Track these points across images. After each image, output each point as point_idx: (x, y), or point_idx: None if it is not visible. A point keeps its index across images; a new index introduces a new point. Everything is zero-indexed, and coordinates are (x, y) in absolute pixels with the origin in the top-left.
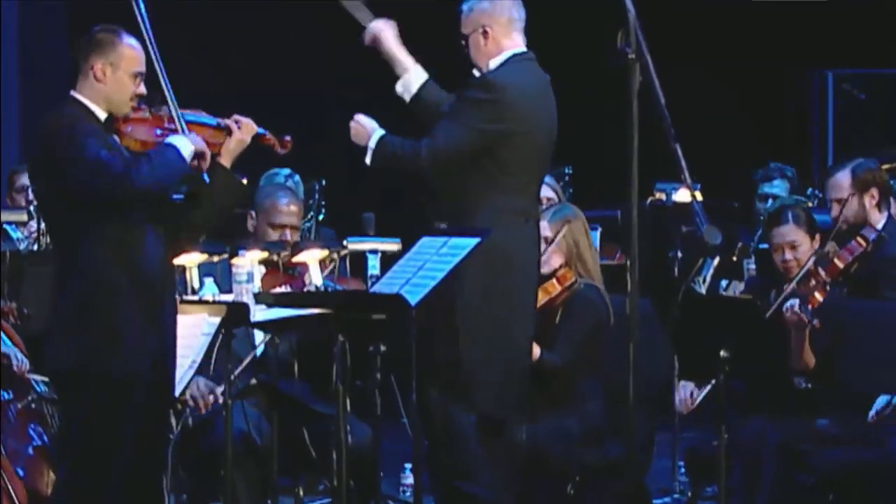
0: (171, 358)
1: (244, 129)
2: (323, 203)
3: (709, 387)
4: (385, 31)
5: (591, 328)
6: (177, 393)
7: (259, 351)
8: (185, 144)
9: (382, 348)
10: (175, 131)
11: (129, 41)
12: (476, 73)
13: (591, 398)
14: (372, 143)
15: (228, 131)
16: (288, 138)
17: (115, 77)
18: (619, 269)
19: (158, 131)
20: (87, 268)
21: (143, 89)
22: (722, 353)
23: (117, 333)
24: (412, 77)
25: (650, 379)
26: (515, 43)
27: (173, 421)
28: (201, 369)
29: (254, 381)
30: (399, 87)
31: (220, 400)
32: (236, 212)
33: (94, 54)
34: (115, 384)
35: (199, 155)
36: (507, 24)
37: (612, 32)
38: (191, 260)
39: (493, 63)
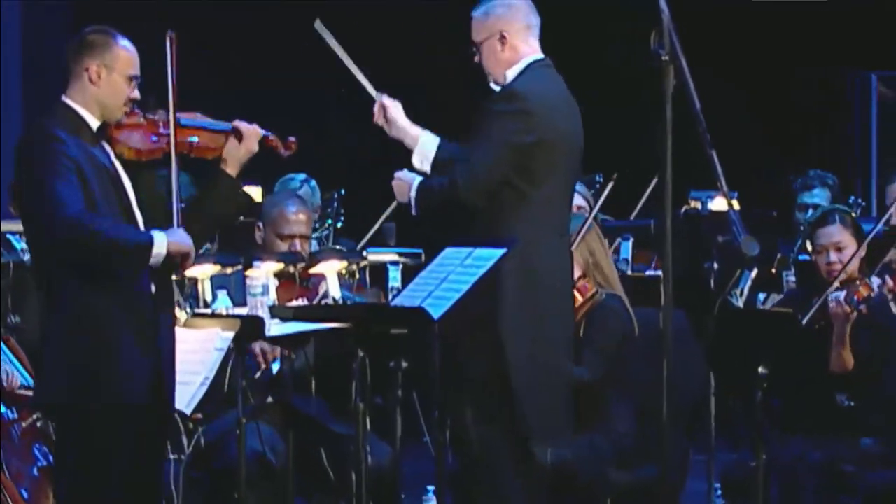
0: (169, 378)
1: (251, 136)
2: (342, 212)
3: None
4: (393, 107)
5: (618, 340)
6: (188, 411)
7: (274, 367)
8: (161, 242)
9: (404, 364)
10: (169, 136)
11: (124, 42)
12: (493, 85)
13: (620, 416)
14: (413, 193)
15: (237, 134)
16: (292, 139)
17: (110, 80)
18: (653, 281)
19: (154, 137)
20: (72, 291)
21: (137, 94)
22: (760, 369)
23: (109, 359)
24: (425, 145)
25: (684, 396)
26: (533, 49)
27: (185, 440)
28: (213, 387)
29: (269, 398)
30: (416, 161)
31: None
32: (243, 222)
33: (88, 56)
34: (110, 413)
35: (182, 255)
36: (525, 29)
37: (646, 33)
38: (203, 272)
39: (511, 72)
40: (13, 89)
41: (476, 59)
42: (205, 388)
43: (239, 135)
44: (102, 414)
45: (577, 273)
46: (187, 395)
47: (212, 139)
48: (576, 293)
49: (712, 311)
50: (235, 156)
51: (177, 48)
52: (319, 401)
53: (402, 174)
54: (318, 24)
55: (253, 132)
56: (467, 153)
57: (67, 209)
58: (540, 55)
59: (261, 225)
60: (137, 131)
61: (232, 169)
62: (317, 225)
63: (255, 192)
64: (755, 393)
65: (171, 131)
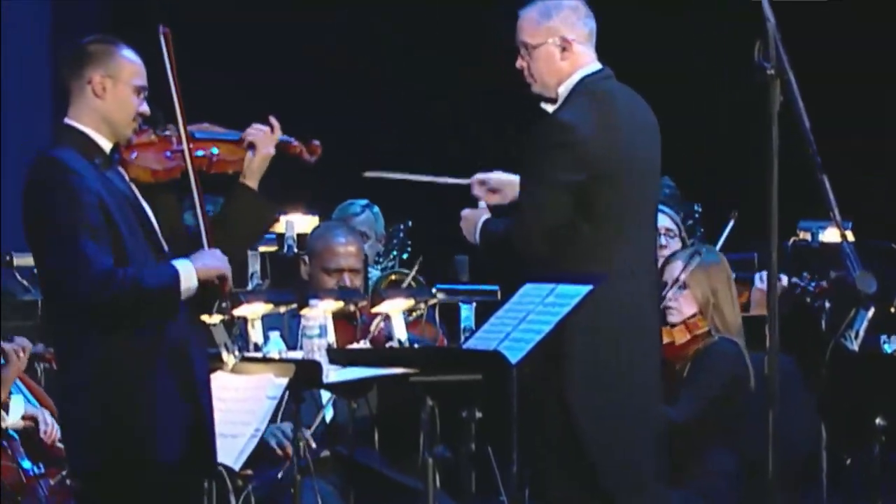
0: (209, 428)
1: (266, 140)
2: (408, 242)
3: None
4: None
5: (724, 386)
6: (237, 466)
7: (329, 416)
8: (189, 273)
9: (478, 414)
10: (183, 154)
11: (127, 51)
12: (545, 105)
13: (721, 471)
14: (478, 236)
15: (251, 146)
16: (317, 143)
17: (116, 91)
18: (756, 322)
19: (169, 154)
20: (94, 334)
21: (146, 108)
22: (877, 420)
23: (141, 413)
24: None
25: (792, 449)
26: (591, 59)
27: (233, 499)
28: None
29: (326, 452)
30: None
31: (312, 444)
32: (298, 255)
33: (90, 67)
34: (148, 472)
35: (218, 278)
36: (589, 37)
37: (748, 45)
38: (253, 311)
39: (564, 87)
40: (43, 98)
41: (521, 63)
42: (255, 441)
43: (250, 144)
44: (138, 475)
45: (691, 311)
46: (236, 448)
47: (230, 151)
48: (683, 328)
49: (824, 356)
50: (252, 165)
51: (172, 45)
52: (384, 455)
53: (469, 212)
54: (368, 175)
55: (265, 137)
56: (523, 192)
57: (92, 267)
58: (597, 66)
59: (307, 259)
60: (150, 151)
61: (251, 181)
62: (380, 258)
63: (312, 223)
64: (872, 447)
65: (184, 137)
